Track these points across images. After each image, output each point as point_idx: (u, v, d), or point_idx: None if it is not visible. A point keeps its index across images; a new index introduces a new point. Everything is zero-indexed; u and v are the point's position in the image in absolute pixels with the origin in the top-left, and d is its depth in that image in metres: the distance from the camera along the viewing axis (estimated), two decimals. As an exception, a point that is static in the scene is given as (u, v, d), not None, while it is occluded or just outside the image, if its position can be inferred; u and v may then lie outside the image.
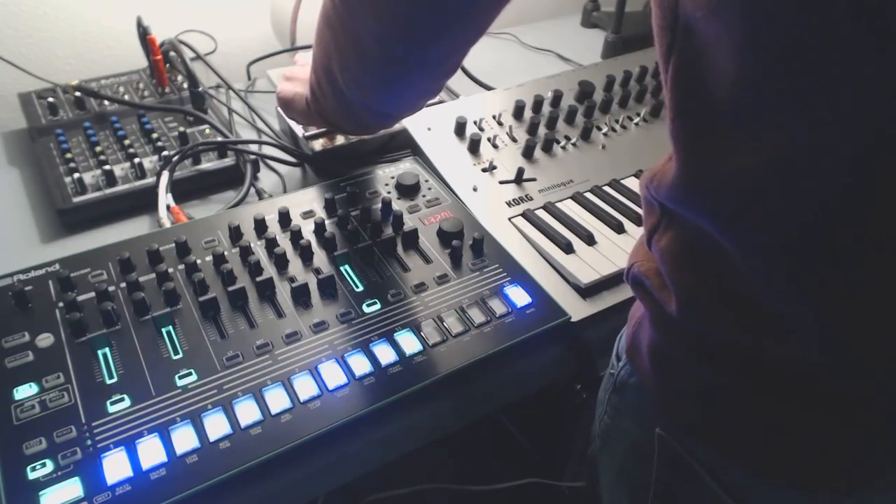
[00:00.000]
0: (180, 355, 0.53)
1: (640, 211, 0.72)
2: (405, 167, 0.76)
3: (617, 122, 0.85)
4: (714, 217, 0.36)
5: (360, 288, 0.61)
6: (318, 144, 0.79)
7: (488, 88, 0.97)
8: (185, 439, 0.47)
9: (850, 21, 0.26)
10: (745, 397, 0.41)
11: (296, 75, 0.71)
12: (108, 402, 0.49)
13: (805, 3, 0.27)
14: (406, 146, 0.81)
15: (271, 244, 0.63)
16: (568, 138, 0.81)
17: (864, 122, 0.28)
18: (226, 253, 0.61)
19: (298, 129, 0.81)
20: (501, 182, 0.75)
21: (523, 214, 0.71)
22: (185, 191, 0.75)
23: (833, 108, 0.29)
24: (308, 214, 0.68)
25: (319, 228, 0.65)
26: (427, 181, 0.74)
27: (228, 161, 0.78)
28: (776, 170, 0.32)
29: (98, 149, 0.76)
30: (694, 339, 0.42)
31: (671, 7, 0.34)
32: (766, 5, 0.28)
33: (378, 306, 0.59)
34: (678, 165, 0.37)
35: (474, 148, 0.77)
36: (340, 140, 0.80)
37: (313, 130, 0.80)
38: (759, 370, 0.39)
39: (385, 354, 0.54)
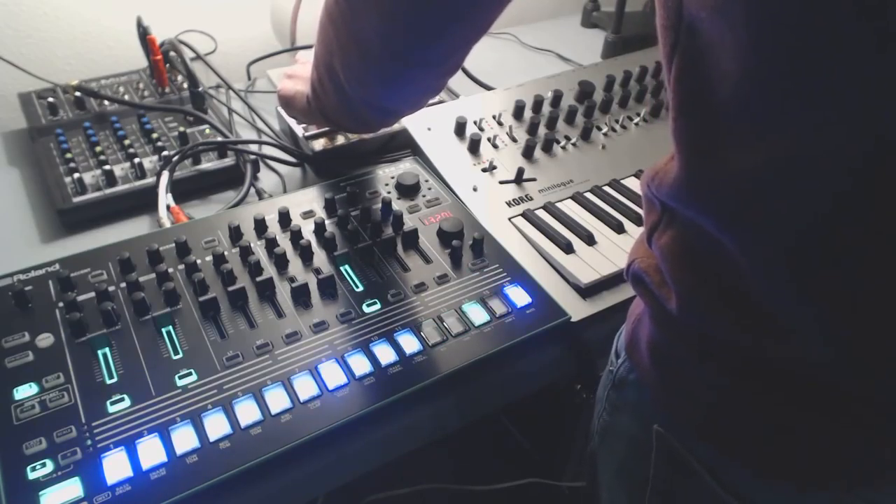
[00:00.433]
0: (180, 355, 0.53)
1: (640, 211, 0.72)
2: (405, 167, 0.76)
3: (617, 122, 0.85)
4: (715, 216, 0.36)
5: (360, 288, 0.61)
6: (318, 144, 0.79)
7: (488, 88, 0.97)
8: (185, 439, 0.47)
9: (854, 21, 0.26)
10: (744, 396, 0.41)
11: (297, 73, 0.71)
12: (108, 402, 0.49)
13: (810, 3, 0.27)
14: (406, 146, 0.81)
15: (271, 244, 0.63)
16: (568, 138, 0.81)
17: (865, 122, 0.28)
18: (226, 253, 0.61)
19: (298, 129, 0.81)
20: (501, 182, 0.75)
21: (523, 214, 0.71)
22: (185, 191, 0.75)
23: (838, 108, 0.29)
24: (308, 214, 0.68)
25: (319, 228, 0.65)
26: (427, 181, 0.74)
27: (228, 161, 0.78)
28: (777, 170, 0.32)
29: (98, 149, 0.76)
30: (694, 337, 0.42)
31: (675, 7, 0.34)
32: (771, 5, 0.28)
33: (378, 306, 0.59)
34: (680, 165, 0.37)
35: (474, 148, 0.77)
36: (340, 140, 0.80)
37: (313, 130, 0.80)
38: (759, 369, 0.39)
39: (385, 354, 0.54)
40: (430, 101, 0.80)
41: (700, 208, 0.37)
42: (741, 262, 0.35)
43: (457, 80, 0.62)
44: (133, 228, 0.71)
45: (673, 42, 0.35)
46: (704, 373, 0.42)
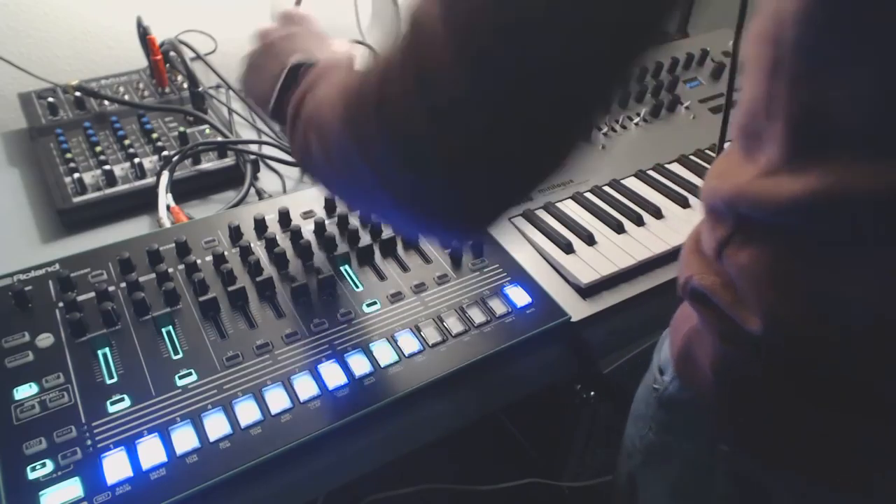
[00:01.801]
0: (180, 355, 0.53)
1: (639, 210, 0.72)
2: (405, 167, 0.76)
3: (617, 122, 0.85)
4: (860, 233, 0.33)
5: (360, 288, 0.61)
6: (318, 144, 0.79)
7: (488, 88, 0.97)
8: (185, 439, 0.47)
9: None
10: (830, 423, 0.39)
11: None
12: (108, 402, 0.49)
13: None
14: (406, 146, 0.81)
15: (271, 244, 0.63)
16: (568, 138, 0.81)
17: None
18: (226, 253, 0.61)
19: (298, 129, 0.81)
20: (501, 182, 0.75)
21: (523, 214, 0.71)
22: (185, 191, 0.75)
23: None
24: (308, 214, 0.68)
25: (319, 228, 0.65)
26: (427, 181, 0.74)
27: (228, 161, 0.78)
28: None
29: (98, 149, 0.76)
30: (776, 361, 0.39)
31: None
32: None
33: (378, 306, 0.59)
34: (797, 178, 0.33)
35: (474, 148, 0.77)
36: (340, 140, 0.80)
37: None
38: (850, 397, 0.37)
39: (385, 354, 0.54)
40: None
41: (837, 227, 0.33)
42: (854, 279, 0.33)
43: (457, 80, 0.62)
44: (133, 228, 0.71)
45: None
46: (784, 397, 0.40)
